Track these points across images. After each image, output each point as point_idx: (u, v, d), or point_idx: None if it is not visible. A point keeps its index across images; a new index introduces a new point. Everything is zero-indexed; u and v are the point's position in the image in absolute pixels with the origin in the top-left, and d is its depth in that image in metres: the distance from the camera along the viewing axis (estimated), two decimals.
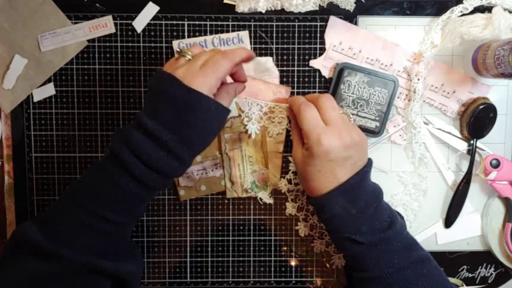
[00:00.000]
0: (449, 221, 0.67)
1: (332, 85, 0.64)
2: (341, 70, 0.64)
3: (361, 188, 0.54)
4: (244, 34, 0.64)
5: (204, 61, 0.51)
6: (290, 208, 0.67)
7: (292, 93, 0.66)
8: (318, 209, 0.56)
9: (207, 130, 0.51)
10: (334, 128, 0.53)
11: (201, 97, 0.48)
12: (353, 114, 0.64)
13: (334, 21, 0.64)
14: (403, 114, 0.66)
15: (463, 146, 0.66)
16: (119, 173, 0.48)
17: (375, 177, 0.67)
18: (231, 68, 0.52)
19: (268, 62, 0.65)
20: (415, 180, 0.67)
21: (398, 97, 0.66)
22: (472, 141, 0.65)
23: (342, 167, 0.53)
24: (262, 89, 0.65)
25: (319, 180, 0.54)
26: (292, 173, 0.66)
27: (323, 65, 0.65)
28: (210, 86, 0.49)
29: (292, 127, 0.60)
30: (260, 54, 0.65)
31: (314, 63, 0.65)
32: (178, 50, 0.54)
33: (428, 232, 0.68)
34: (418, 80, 0.64)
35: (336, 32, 0.65)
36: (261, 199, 0.66)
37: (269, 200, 0.66)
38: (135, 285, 0.54)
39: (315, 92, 0.66)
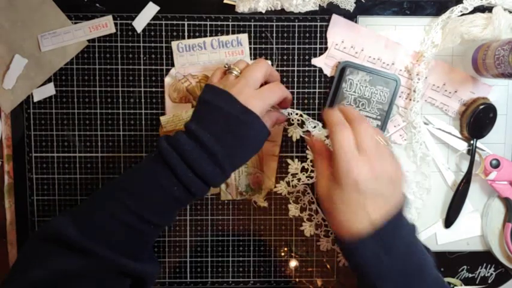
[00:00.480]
0: (449, 221, 0.67)
1: (334, 84, 0.64)
2: (343, 69, 0.64)
3: (396, 234, 0.48)
4: (244, 37, 0.64)
5: (254, 80, 0.54)
6: (293, 210, 0.67)
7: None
8: (346, 253, 0.50)
9: (250, 148, 0.54)
10: (366, 157, 0.48)
11: (254, 118, 0.51)
12: None
13: (336, 19, 0.64)
14: (403, 114, 0.66)
15: (463, 146, 0.66)
16: (166, 176, 0.49)
17: None
18: (281, 98, 0.56)
19: None
20: (418, 178, 0.67)
21: (400, 96, 0.66)
22: (472, 141, 0.65)
23: (373, 202, 0.48)
24: None
25: (347, 215, 0.48)
26: (292, 175, 0.66)
27: (325, 63, 0.65)
28: (262, 109, 0.52)
29: (317, 153, 0.55)
30: (260, 55, 0.65)
31: (316, 61, 0.65)
32: (226, 66, 0.57)
33: (429, 232, 0.68)
34: (419, 79, 0.64)
35: (338, 30, 0.65)
36: (255, 202, 0.66)
37: (263, 204, 0.66)
38: (151, 286, 0.54)
39: (315, 91, 0.66)
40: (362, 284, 0.51)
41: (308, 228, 0.67)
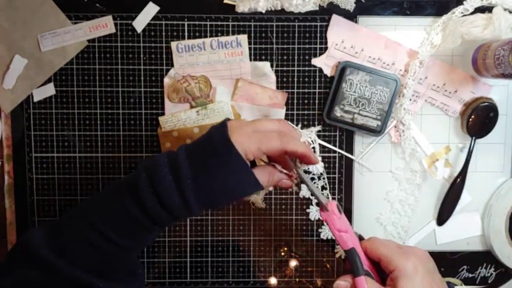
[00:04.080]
0: (441, 219, 0.67)
1: (334, 84, 0.64)
2: (343, 69, 0.64)
3: None
4: (243, 38, 0.64)
5: (259, 125, 0.50)
6: (305, 190, 0.66)
7: (289, 97, 0.65)
8: None
9: (225, 189, 0.48)
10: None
11: (232, 151, 0.47)
12: (355, 113, 0.64)
13: (336, 19, 0.64)
14: (393, 111, 0.65)
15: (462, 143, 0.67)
16: (130, 199, 0.47)
17: (374, 177, 0.67)
18: (278, 150, 0.49)
19: (265, 66, 0.65)
20: (407, 175, 0.67)
21: (399, 96, 0.66)
22: (471, 140, 0.65)
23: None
24: (259, 93, 0.65)
25: None
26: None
27: (325, 63, 0.65)
28: (246, 149, 0.47)
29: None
30: (260, 55, 0.65)
31: (316, 61, 0.65)
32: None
33: (427, 230, 0.68)
34: (411, 76, 0.64)
35: (338, 30, 0.65)
36: (253, 203, 0.66)
37: (261, 205, 0.66)
38: None
39: (315, 91, 0.66)
40: None
41: (314, 212, 0.67)
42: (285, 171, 0.53)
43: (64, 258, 0.46)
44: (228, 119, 0.51)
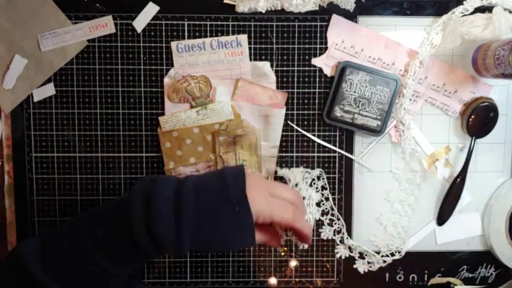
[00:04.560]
0: (441, 219, 0.67)
1: (334, 84, 0.64)
2: (343, 69, 0.64)
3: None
4: (243, 37, 0.64)
5: (276, 190, 0.50)
6: (327, 232, 0.67)
7: (289, 97, 0.65)
8: None
9: (222, 239, 0.47)
10: None
11: (246, 209, 0.46)
12: (355, 113, 0.64)
13: (336, 19, 0.64)
14: (393, 111, 0.65)
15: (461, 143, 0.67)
16: (123, 222, 0.46)
17: (374, 177, 0.67)
18: (288, 224, 0.50)
19: (265, 66, 0.65)
20: (408, 175, 0.67)
21: (399, 96, 0.66)
22: (471, 140, 0.65)
23: None
24: (259, 93, 0.65)
25: None
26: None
27: (325, 63, 0.65)
28: (259, 212, 0.47)
29: None
30: (260, 55, 0.65)
31: (316, 61, 0.65)
32: None
33: (427, 230, 0.68)
34: (411, 75, 0.64)
35: (338, 30, 0.65)
36: None
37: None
38: None
39: (315, 91, 0.66)
40: None
41: (327, 232, 0.67)
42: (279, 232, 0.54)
43: (59, 282, 0.46)
44: (243, 167, 0.49)
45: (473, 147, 0.65)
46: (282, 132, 0.66)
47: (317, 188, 0.66)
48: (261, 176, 0.51)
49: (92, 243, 0.47)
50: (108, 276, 0.48)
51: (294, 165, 0.67)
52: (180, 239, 0.45)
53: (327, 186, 0.67)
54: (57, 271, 0.47)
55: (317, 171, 0.66)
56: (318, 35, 0.65)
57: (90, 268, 0.47)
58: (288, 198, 0.51)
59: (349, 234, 0.68)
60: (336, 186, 0.67)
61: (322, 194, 0.67)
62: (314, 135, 0.66)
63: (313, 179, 0.66)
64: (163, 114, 0.65)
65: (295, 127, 0.66)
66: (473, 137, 0.65)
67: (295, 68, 0.65)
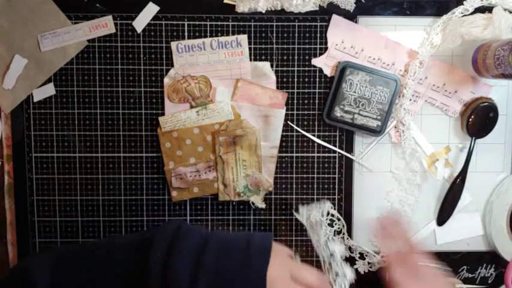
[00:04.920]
0: (441, 219, 0.67)
1: (334, 84, 0.64)
2: (343, 69, 0.64)
3: None
4: (243, 38, 0.64)
5: (300, 274, 0.48)
6: (342, 251, 0.65)
7: (289, 97, 0.65)
8: None
9: None
10: None
11: None
12: (355, 113, 0.64)
13: (336, 19, 0.64)
14: (393, 111, 0.65)
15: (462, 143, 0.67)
16: (138, 271, 0.45)
17: (374, 177, 0.67)
18: None
19: (265, 66, 0.65)
20: (408, 175, 0.67)
21: (399, 96, 0.66)
22: (471, 140, 0.65)
23: None
24: (259, 93, 0.65)
25: None
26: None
27: (325, 63, 0.65)
28: None
29: None
30: (260, 55, 0.65)
31: (316, 61, 0.65)
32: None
33: (427, 230, 0.68)
34: (411, 76, 0.64)
35: (338, 30, 0.65)
36: (253, 203, 0.66)
37: (261, 205, 0.66)
38: None
39: (315, 91, 0.66)
40: None
41: (362, 266, 0.67)
42: None
43: None
44: (271, 238, 0.48)
45: (473, 147, 0.65)
46: (282, 132, 0.66)
47: (342, 238, 0.66)
48: (287, 253, 0.49)
49: (106, 278, 0.46)
50: None
51: (294, 165, 0.67)
52: None
53: (336, 214, 0.67)
54: None
55: (327, 206, 0.65)
56: (318, 35, 0.65)
57: None
58: (311, 284, 0.48)
59: (349, 234, 0.68)
60: (336, 186, 0.67)
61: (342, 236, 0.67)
62: (314, 135, 0.66)
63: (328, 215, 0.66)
64: (163, 114, 0.65)
65: (295, 127, 0.66)
66: (473, 137, 0.65)
67: (295, 68, 0.65)
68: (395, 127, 0.66)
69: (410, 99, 0.66)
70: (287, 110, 0.66)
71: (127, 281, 0.46)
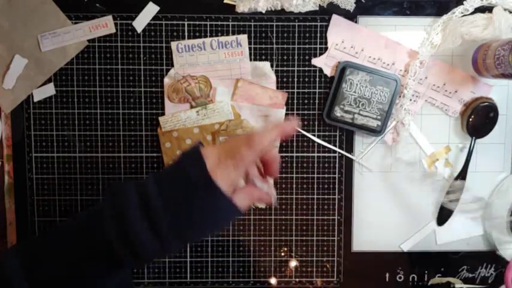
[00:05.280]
0: (441, 219, 0.67)
1: (334, 84, 0.64)
2: (343, 69, 0.64)
3: None
4: (243, 38, 0.64)
5: (230, 146, 0.46)
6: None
7: (289, 97, 0.65)
8: None
9: (207, 224, 0.45)
10: None
11: (217, 191, 0.44)
12: (355, 113, 0.64)
13: (336, 19, 0.64)
14: (393, 111, 0.65)
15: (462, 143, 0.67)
16: (97, 239, 0.44)
17: (374, 177, 0.67)
18: (257, 157, 0.47)
19: (265, 66, 0.65)
20: (408, 175, 0.67)
21: (400, 96, 0.66)
22: (471, 140, 0.65)
23: None
24: (259, 93, 0.65)
25: None
26: None
27: (325, 63, 0.65)
28: (231, 180, 0.44)
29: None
30: (260, 55, 0.65)
31: (316, 61, 0.65)
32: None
33: (427, 230, 0.68)
34: (411, 76, 0.64)
35: (338, 30, 0.65)
36: (253, 203, 0.66)
37: (261, 205, 0.66)
38: None
39: (315, 91, 0.66)
40: None
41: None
42: (264, 187, 0.50)
43: None
44: (198, 147, 0.46)
45: (473, 147, 0.65)
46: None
47: None
48: (215, 145, 0.48)
49: (73, 256, 0.45)
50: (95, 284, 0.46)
51: (294, 165, 0.67)
52: (162, 244, 0.43)
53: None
54: (42, 282, 0.45)
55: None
56: (318, 35, 0.65)
57: (74, 278, 0.45)
58: (236, 141, 0.47)
59: (349, 234, 0.68)
60: (336, 186, 0.67)
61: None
62: (314, 135, 0.66)
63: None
64: (163, 114, 0.65)
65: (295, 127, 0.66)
66: (473, 137, 0.65)
67: (295, 68, 0.65)
68: (395, 128, 0.66)
69: (411, 99, 0.66)
70: (287, 110, 0.66)
71: (95, 256, 0.44)
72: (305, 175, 0.67)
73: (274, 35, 0.65)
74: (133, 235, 0.42)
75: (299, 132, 0.66)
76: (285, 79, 0.65)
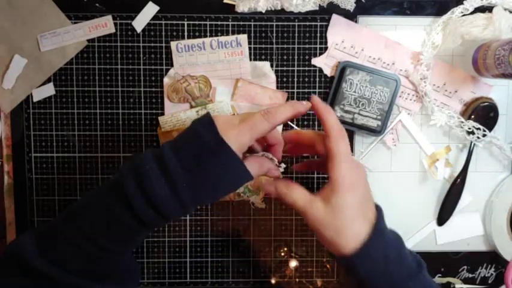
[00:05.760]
0: (442, 219, 0.67)
1: (334, 84, 0.64)
2: (343, 69, 0.64)
3: (385, 228, 0.49)
4: (243, 37, 0.64)
5: (244, 115, 0.49)
6: None
7: (289, 97, 0.65)
8: (357, 265, 0.47)
9: (219, 185, 0.47)
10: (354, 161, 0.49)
11: (227, 151, 0.45)
12: (355, 113, 0.64)
13: (336, 19, 0.64)
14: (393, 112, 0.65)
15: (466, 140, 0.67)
16: (117, 201, 0.46)
17: (374, 177, 0.67)
18: (269, 130, 0.48)
19: (265, 66, 0.65)
20: (408, 175, 0.67)
21: (400, 96, 0.65)
22: (471, 140, 0.65)
23: (368, 203, 0.48)
24: (259, 93, 0.65)
25: (354, 224, 0.46)
26: None
27: (325, 63, 0.65)
28: (241, 143, 0.46)
29: (283, 185, 0.50)
30: (260, 55, 0.65)
31: (316, 61, 0.65)
32: None
33: (427, 230, 0.68)
34: (425, 82, 0.64)
35: (338, 30, 0.65)
36: (253, 203, 0.66)
37: (261, 205, 0.66)
38: None
39: (315, 92, 0.66)
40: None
41: None
42: (275, 160, 0.53)
43: (58, 266, 0.45)
44: (209, 113, 0.49)
45: (473, 147, 0.65)
46: (282, 132, 0.66)
47: None
48: (228, 115, 0.50)
49: (88, 224, 0.46)
50: (109, 255, 0.47)
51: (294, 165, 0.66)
52: (181, 201, 0.45)
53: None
54: (54, 254, 0.46)
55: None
56: (318, 35, 0.65)
57: (88, 248, 0.46)
58: (252, 112, 0.49)
59: None
60: None
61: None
62: None
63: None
64: (163, 114, 0.65)
65: (295, 127, 0.66)
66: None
67: (295, 68, 0.65)
68: (395, 131, 0.66)
69: (411, 99, 0.66)
70: None
71: (112, 219, 0.46)
72: (305, 175, 0.67)
73: (274, 34, 0.65)
74: (152, 191, 0.44)
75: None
76: (284, 79, 0.65)
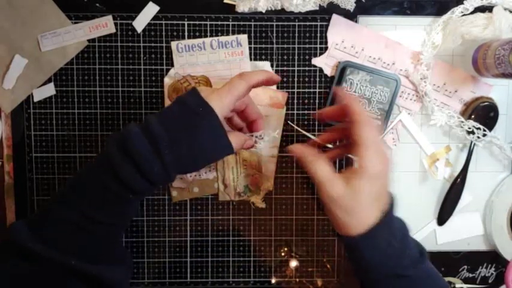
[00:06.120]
0: (442, 219, 0.67)
1: (334, 83, 0.64)
2: (343, 68, 0.64)
3: (393, 217, 0.51)
4: (243, 37, 0.64)
5: (224, 83, 0.51)
6: None
7: (289, 97, 0.65)
8: (361, 247, 0.48)
9: (201, 148, 0.49)
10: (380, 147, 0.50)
11: (210, 111, 0.48)
12: None
13: (336, 19, 0.64)
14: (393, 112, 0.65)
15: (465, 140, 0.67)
16: (104, 171, 0.47)
17: None
18: (246, 89, 0.51)
19: (265, 66, 0.65)
20: (408, 175, 0.67)
21: (400, 96, 0.66)
22: (471, 140, 0.65)
23: (385, 190, 0.50)
24: (259, 93, 0.65)
25: (367, 209, 0.48)
26: None
27: (325, 63, 0.65)
28: (223, 104, 0.49)
29: (310, 156, 0.51)
30: (260, 55, 0.65)
31: (316, 61, 0.65)
32: None
33: (427, 230, 0.68)
34: (425, 82, 0.64)
35: (339, 30, 0.65)
36: (253, 203, 0.66)
37: (261, 205, 0.66)
38: None
39: (315, 91, 0.66)
40: (372, 283, 0.50)
41: None
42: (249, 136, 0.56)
43: (52, 247, 0.46)
44: (194, 87, 0.51)
45: (473, 147, 0.65)
46: (282, 132, 0.66)
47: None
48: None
49: (79, 199, 0.47)
50: (101, 228, 0.48)
51: (294, 165, 0.67)
52: (161, 159, 0.47)
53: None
54: (46, 234, 0.47)
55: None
56: (318, 34, 0.65)
57: (79, 222, 0.47)
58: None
59: None
60: None
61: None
62: (314, 135, 0.66)
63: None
64: None
65: (295, 127, 0.66)
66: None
67: (295, 68, 0.65)
68: (395, 131, 0.66)
69: (411, 99, 0.66)
70: (287, 110, 0.66)
71: (101, 190, 0.47)
72: (305, 175, 0.67)
73: (274, 34, 0.65)
74: (133, 148, 0.46)
75: (299, 132, 0.66)
76: (285, 79, 0.65)
